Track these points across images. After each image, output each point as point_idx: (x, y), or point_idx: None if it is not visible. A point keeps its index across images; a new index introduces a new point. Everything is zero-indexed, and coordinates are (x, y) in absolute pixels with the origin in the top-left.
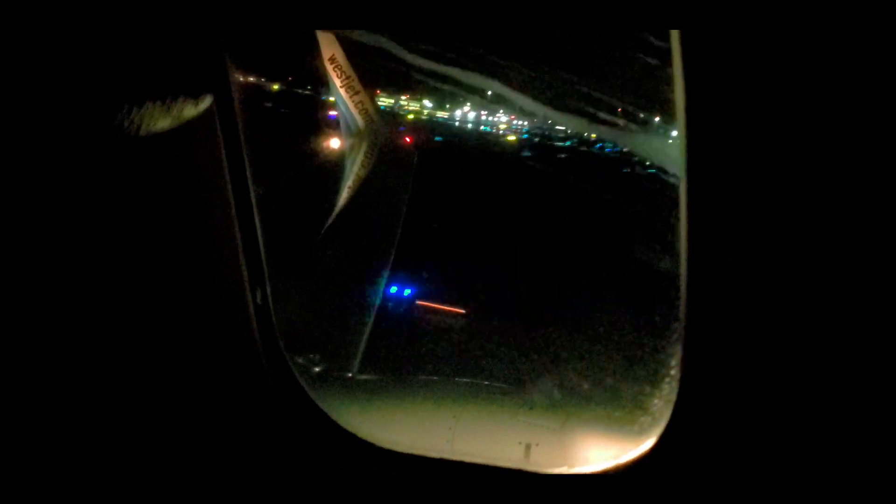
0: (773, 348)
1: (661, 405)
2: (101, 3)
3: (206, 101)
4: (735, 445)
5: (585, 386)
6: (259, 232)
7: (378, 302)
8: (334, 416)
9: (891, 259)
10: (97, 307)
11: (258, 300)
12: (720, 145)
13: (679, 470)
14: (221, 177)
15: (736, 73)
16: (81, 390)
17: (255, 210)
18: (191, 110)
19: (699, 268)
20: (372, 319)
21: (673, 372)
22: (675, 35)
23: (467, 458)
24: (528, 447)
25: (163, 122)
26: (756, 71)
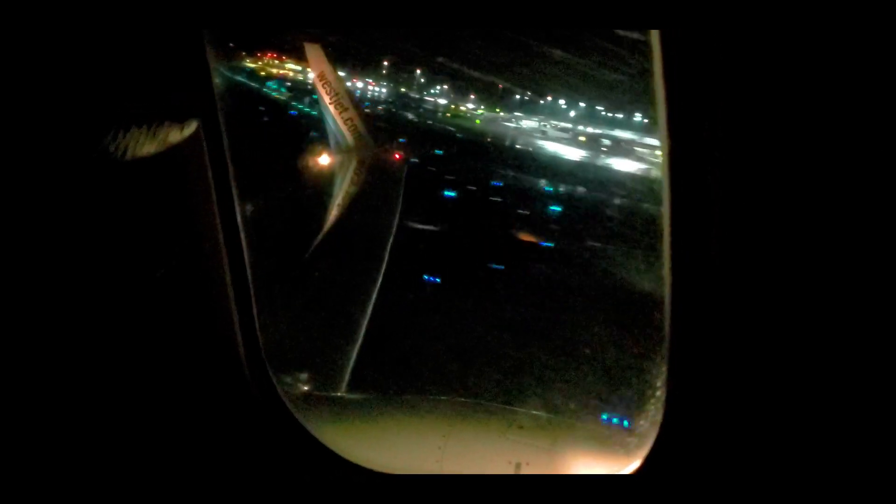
0: (758, 369)
1: (647, 426)
2: (86, 27)
3: (193, 123)
4: (721, 466)
5: (572, 406)
6: (246, 254)
7: (367, 320)
8: (322, 437)
9: (876, 282)
10: (83, 328)
11: (244, 322)
12: (702, 156)
13: (665, 491)
14: (208, 198)
15: (718, 74)
16: (68, 410)
17: (242, 231)
18: (177, 133)
19: (682, 288)
20: (361, 338)
21: (658, 393)
22: (655, 35)
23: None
24: (518, 466)
25: (150, 146)
26: (739, 71)
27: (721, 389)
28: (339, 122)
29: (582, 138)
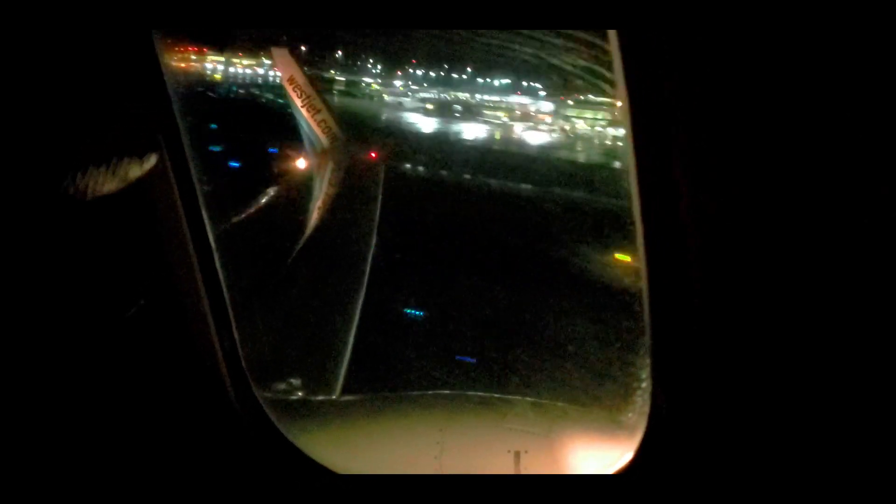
0: (740, 354)
1: (636, 418)
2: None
3: (153, 157)
4: (711, 453)
5: (560, 405)
6: (221, 273)
7: (356, 321)
8: (316, 445)
9: (848, 269)
10: (66, 361)
11: (225, 345)
12: (667, 148)
13: (659, 483)
14: (177, 221)
15: (680, 72)
16: (60, 438)
17: (216, 248)
18: (137, 168)
19: (659, 279)
20: (352, 340)
21: (644, 385)
22: (612, 35)
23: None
24: (517, 454)
25: (111, 183)
26: (701, 68)
27: (704, 376)
28: (313, 124)
29: (430, 106)
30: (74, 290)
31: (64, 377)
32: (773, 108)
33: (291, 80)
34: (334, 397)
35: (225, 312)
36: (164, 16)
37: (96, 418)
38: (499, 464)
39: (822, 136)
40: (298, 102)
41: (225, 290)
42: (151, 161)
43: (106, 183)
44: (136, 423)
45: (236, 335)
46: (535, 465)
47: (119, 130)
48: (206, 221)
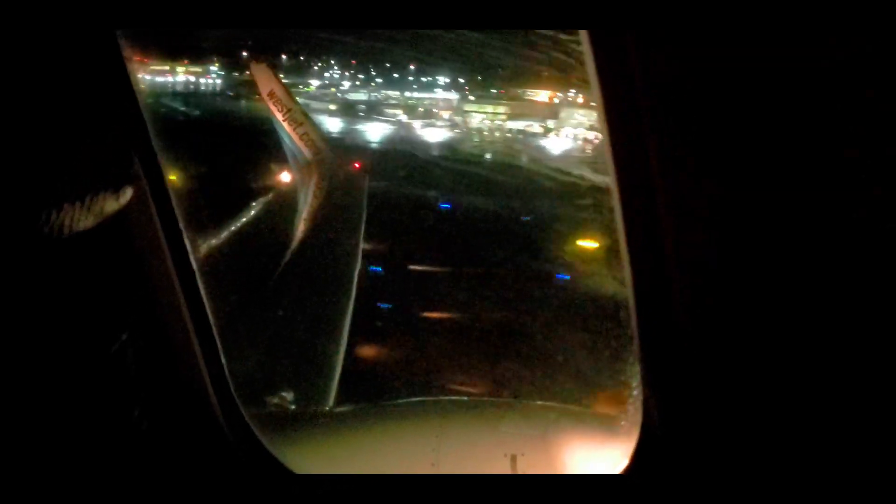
0: (730, 357)
1: (631, 421)
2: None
3: (129, 190)
4: (705, 455)
5: (556, 406)
6: (206, 299)
7: (347, 331)
8: (307, 464)
9: (829, 265)
10: (54, 397)
11: (213, 370)
12: (644, 146)
13: (660, 484)
14: (160, 250)
15: (654, 70)
16: (51, 470)
17: (199, 277)
18: (113, 202)
19: (644, 284)
20: (343, 350)
21: (635, 393)
22: (584, 35)
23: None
24: (513, 458)
25: (87, 219)
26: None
27: (695, 380)
28: (295, 137)
29: (333, 107)
30: (56, 326)
31: (52, 413)
32: (755, 105)
33: (272, 94)
34: (327, 409)
35: (210, 336)
36: (128, 17)
37: (84, 450)
38: (496, 467)
39: (802, 133)
40: (279, 116)
41: (210, 313)
42: (128, 192)
43: (82, 218)
44: (124, 455)
45: (223, 359)
46: (533, 467)
47: (93, 159)
48: (188, 244)
